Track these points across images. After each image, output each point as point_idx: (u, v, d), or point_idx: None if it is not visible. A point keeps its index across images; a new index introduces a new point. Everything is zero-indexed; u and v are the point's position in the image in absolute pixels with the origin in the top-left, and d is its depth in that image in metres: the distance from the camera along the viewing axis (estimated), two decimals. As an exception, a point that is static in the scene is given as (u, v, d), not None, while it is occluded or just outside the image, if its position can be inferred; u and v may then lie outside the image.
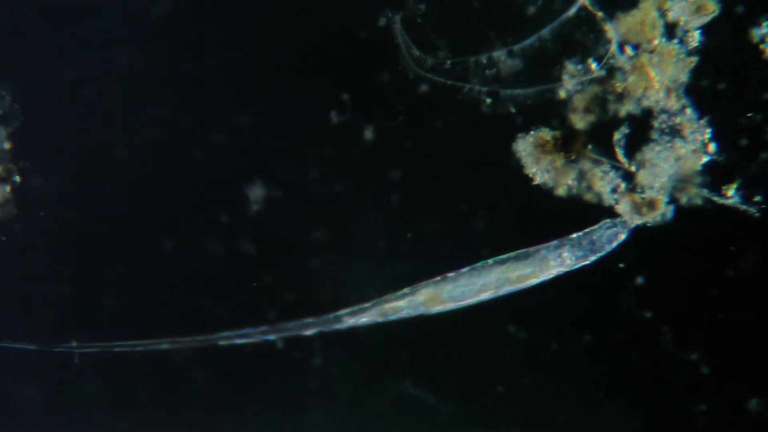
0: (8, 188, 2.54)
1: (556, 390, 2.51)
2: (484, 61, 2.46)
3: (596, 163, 2.45)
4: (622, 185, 2.44)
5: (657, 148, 2.42)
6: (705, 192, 2.43)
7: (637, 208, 2.45)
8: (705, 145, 2.41)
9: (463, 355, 2.53)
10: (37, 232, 2.56)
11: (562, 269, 2.47)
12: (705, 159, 2.41)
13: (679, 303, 2.48)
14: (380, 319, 2.49)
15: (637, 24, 2.41)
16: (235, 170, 2.52)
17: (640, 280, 2.49)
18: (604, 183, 2.45)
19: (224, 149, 2.53)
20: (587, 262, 2.46)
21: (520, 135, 2.44)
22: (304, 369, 2.55)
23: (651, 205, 2.45)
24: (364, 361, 2.55)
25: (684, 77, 2.41)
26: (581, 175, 2.46)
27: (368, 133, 2.51)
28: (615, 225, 2.46)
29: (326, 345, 2.53)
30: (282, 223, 2.53)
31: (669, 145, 2.42)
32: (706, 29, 2.37)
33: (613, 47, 2.42)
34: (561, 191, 2.46)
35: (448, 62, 2.47)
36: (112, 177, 2.55)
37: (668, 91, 2.42)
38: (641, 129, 2.41)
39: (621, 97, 2.43)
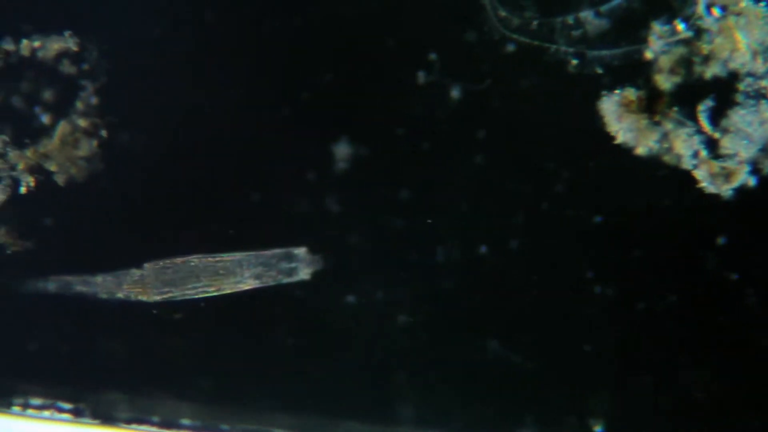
0: (95, 143, 2.56)
1: (642, 350, 2.52)
2: (571, 21, 2.48)
3: (679, 125, 2.47)
4: (703, 152, 2.45)
5: (742, 112, 2.44)
6: (790, 155, 2.45)
7: (713, 178, 2.46)
8: (793, 107, 2.43)
9: (549, 314, 2.55)
10: (124, 187, 2.58)
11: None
12: (793, 121, 2.43)
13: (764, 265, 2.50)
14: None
15: (727, -16, 2.43)
16: (322, 128, 2.54)
17: (722, 240, 2.50)
18: (685, 146, 2.46)
19: (312, 107, 2.55)
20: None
21: (605, 94, 2.47)
22: (389, 328, 2.57)
23: (728, 176, 2.46)
24: (452, 322, 2.57)
25: (772, 38, 2.43)
26: (663, 137, 2.47)
27: (455, 93, 2.54)
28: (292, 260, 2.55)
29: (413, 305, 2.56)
30: (368, 181, 2.56)
31: (754, 109, 2.44)
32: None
33: (700, 8, 2.43)
34: (642, 151, 2.47)
35: (535, 23, 2.49)
36: (197, 132, 2.57)
37: (755, 53, 2.43)
38: (727, 93, 2.43)
39: (707, 59, 2.44)
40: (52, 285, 2.57)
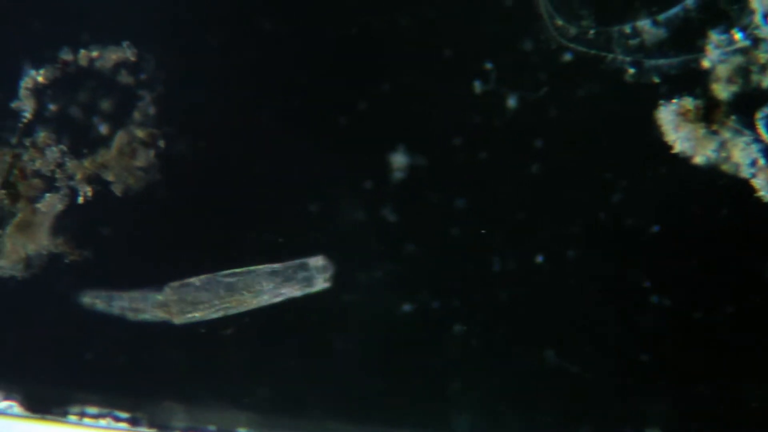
0: (152, 153, 2.57)
1: (700, 359, 2.52)
2: (628, 30, 2.48)
3: (737, 134, 2.46)
4: (761, 160, 2.45)
5: (799, 120, 2.44)
6: None
7: (772, 186, 2.46)
8: None
9: (605, 325, 2.55)
10: (181, 197, 2.59)
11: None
12: None
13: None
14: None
15: (787, -7, 2.43)
16: (379, 137, 2.55)
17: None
18: (743, 155, 2.46)
19: (369, 116, 2.56)
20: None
21: (662, 103, 2.46)
22: (444, 337, 2.57)
23: (787, 184, 2.46)
24: (509, 331, 2.57)
25: (832, 47, 2.42)
26: (721, 146, 2.47)
27: (511, 103, 2.54)
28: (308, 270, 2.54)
29: (469, 313, 2.56)
30: (424, 190, 2.56)
31: (812, 117, 2.44)
32: None
33: (758, 18, 2.43)
34: (700, 160, 2.47)
35: (592, 32, 2.49)
36: (254, 142, 2.58)
37: (812, 62, 2.43)
38: (784, 102, 2.43)
39: (764, 68, 2.44)
40: (89, 299, 2.59)
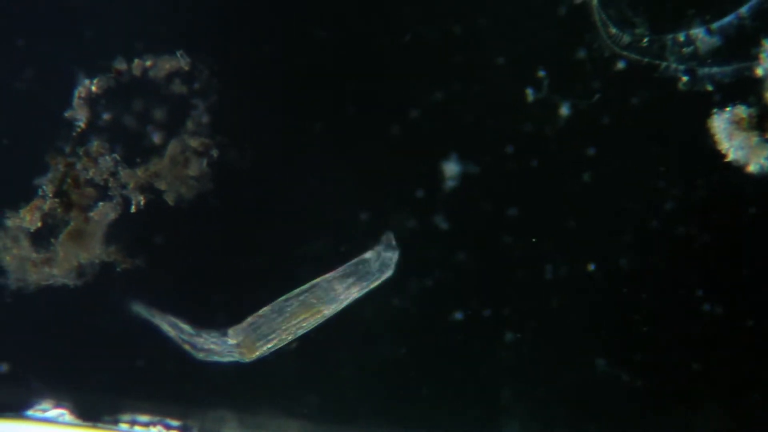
0: (205, 162, 2.57)
1: (752, 368, 2.52)
2: (682, 38, 2.48)
3: (790, 142, 2.46)
4: (813, 167, 2.45)
5: None
6: None
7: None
8: None
9: (658, 332, 2.54)
10: (233, 207, 2.59)
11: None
12: None
13: None
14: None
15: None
16: (431, 146, 2.55)
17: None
18: (796, 162, 2.46)
19: (421, 125, 2.56)
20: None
21: (715, 111, 2.46)
22: (492, 346, 2.58)
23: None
24: (559, 341, 2.57)
25: None
26: (774, 154, 2.47)
27: (564, 110, 2.54)
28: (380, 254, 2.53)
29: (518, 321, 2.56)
30: (476, 199, 2.56)
31: None
32: None
33: (812, 25, 2.43)
34: (753, 168, 2.47)
35: (645, 40, 2.49)
36: (307, 151, 2.58)
37: None
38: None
39: (818, 75, 2.44)
40: (155, 316, 2.60)
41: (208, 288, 2.60)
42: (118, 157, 2.56)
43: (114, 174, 2.56)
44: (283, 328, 2.54)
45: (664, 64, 2.48)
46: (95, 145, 2.56)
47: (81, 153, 2.55)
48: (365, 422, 2.62)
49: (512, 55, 2.53)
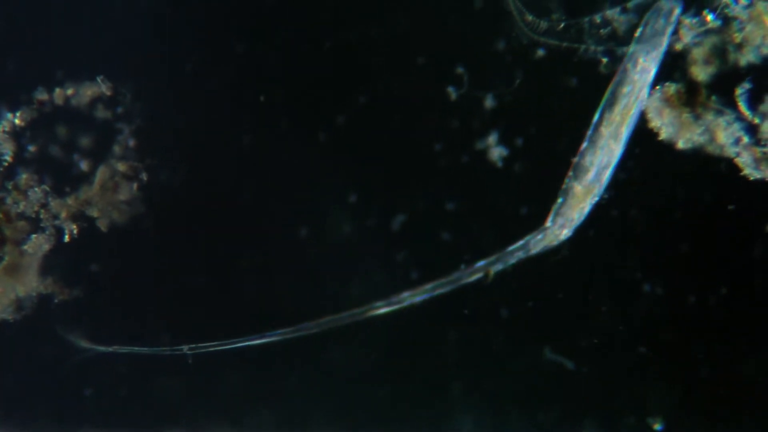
0: (135, 186, 2.57)
1: (696, 345, 2.49)
2: (598, 20, 2.46)
3: (719, 114, 2.43)
4: (745, 138, 2.41)
5: (780, 96, 2.41)
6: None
7: (757, 163, 2.43)
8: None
9: (599, 318, 2.52)
10: (166, 229, 2.59)
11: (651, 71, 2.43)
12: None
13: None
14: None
15: (751, -31, 2.40)
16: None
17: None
18: (727, 134, 2.43)
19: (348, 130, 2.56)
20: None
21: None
22: (441, 340, 2.56)
23: (772, 159, 2.43)
24: (503, 331, 2.55)
25: (804, 20, 2.39)
26: (705, 129, 2.44)
27: (489, 102, 2.52)
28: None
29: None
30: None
31: (792, 92, 2.40)
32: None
33: (727, -5, 2.41)
34: (683, 145, 2.44)
35: (562, 25, 2.48)
36: (242, 166, 2.58)
37: (788, 36, 2.40)
38: (763, 78, 2.40)
39: (740, 46, 2.41)
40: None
41: (149, 311, 2.60)
42: (47, 188, 2.56)
43: (45, 205, 2.56)
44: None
45: (583, 47, 2.46)
46: (23, 177, 2.56)
47: (10, 187, 2.56)
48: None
49: (429, 52, 2.52)
